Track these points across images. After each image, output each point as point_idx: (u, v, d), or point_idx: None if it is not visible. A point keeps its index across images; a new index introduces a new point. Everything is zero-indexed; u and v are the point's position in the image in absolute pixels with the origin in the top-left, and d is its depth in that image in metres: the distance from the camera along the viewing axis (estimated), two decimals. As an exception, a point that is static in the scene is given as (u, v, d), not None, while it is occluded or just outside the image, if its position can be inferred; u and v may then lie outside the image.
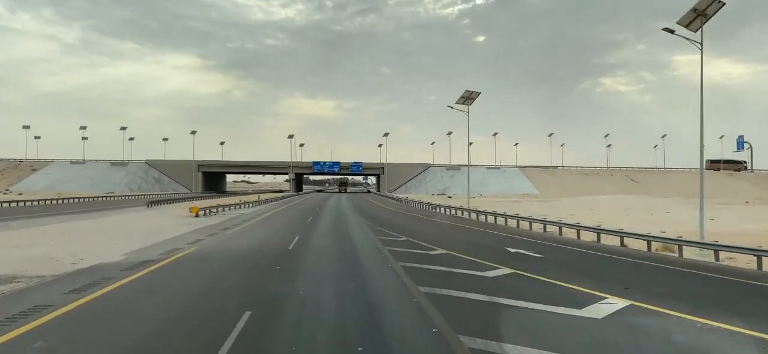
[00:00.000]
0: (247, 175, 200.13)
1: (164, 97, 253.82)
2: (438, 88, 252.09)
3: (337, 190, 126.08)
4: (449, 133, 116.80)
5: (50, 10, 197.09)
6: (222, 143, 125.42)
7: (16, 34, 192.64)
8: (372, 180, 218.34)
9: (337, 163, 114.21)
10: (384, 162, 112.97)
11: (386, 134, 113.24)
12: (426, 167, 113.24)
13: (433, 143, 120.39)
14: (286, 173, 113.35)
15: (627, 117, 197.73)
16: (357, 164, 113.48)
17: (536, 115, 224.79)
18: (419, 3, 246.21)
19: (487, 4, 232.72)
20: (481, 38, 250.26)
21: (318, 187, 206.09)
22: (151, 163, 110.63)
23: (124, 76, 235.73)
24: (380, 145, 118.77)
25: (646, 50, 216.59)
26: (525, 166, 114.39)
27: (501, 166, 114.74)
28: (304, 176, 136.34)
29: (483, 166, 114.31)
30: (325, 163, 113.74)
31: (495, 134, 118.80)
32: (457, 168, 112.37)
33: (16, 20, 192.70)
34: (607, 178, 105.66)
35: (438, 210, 45.29)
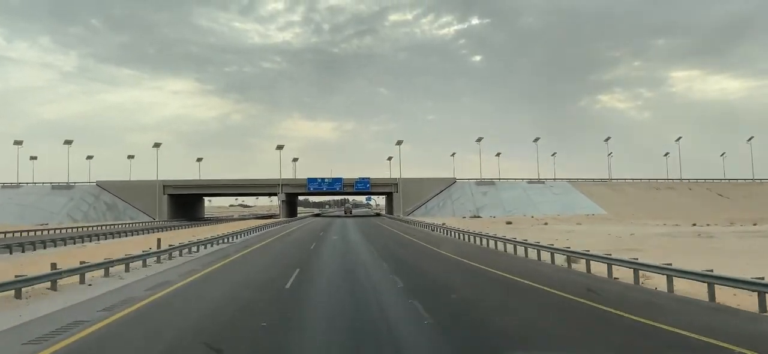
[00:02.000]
0: (240, 198, 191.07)
1: (164, 122, 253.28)
2: (436, 108, 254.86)
3: (340, 214, 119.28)
4: (479, 139, 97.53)
5: (48, 39, 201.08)
6: (199, 160, 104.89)
7: (14, 63, 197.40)
8: (377, 201, 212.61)
9: (338, 180, 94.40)
10: (398, 177, 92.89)
11: (399, 142, 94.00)
12: (451, 183, 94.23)
13: (453, 155, 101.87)
14: (276, 193, 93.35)
15: (625, 132, 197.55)
16: (363, 181, 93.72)
17: (536, 132, 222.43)
18: (415, 24, 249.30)
19: (483, 24, 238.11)
20: (477, 58, 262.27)
21: (316, 210, 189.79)
22: (103, 186, 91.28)
23: (121, 103, 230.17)
24: (390, 158, 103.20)
25: (643, 66, 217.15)
26: (575, 180, 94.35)
27: (545, 180, 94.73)
28: (300, 197, 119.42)
29: (522, 179, 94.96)
30: (323, 180, 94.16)
31: (498, 154, 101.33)
32: (490, 183, 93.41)
33: (12, 49, 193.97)
34: (685, 193, 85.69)
35: (495, 246, 27.96)
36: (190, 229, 56.79)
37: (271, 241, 35.38)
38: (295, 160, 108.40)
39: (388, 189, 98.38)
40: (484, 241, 30.40)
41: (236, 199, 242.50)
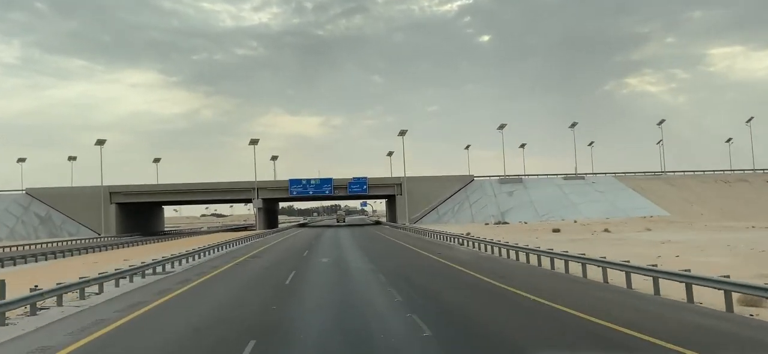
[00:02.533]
0: (213, 206, 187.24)
1: (121, 121, 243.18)
2: (439, 98, 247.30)
3: (332, 223, 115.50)
4: (501, 127, 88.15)
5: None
6: (156, 160, 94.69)
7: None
8: (374, 207, 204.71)
9: (327, 181, 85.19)
10: (402, 176, 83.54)
11: (403, 132, 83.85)
12: (468, 181, 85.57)
13: (467, 147, 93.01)
14: (251, 199, 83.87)
15: (658, 120, 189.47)
16: (359, 181, 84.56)
17: (554, 122, 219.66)
18: (413, 0, 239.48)
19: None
20: (485, 38, 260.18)
21: (302, 219, 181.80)
22: (34, 194, 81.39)
23: (72, 98, 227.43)
24: (391, 153, 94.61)
25: (677, 43, 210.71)
26: (621, 174, 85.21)
27: (584, 175, 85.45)
28: (281, 203, 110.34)
29: (556, 175, 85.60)
30: (309, 181, 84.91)
31: (523, 146, 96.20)
32: (517, 180, 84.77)
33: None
34: (763, 187, 75.36)
35: (565, 269, 19.59)
36: (128, 249, 47.12)
37: (226, 269, 25.35)
38: (274, 158, 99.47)
39: (390, 191, 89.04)
40: (545, 261, 22.74)
41: (207, 208, 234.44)
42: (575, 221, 65.63)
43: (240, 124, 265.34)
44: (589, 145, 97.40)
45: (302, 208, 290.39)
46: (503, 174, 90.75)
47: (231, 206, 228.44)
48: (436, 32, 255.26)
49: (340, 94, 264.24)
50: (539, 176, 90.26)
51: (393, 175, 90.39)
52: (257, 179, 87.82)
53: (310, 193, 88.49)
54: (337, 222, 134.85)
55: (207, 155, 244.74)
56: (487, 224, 73.89)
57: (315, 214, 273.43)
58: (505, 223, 73.25)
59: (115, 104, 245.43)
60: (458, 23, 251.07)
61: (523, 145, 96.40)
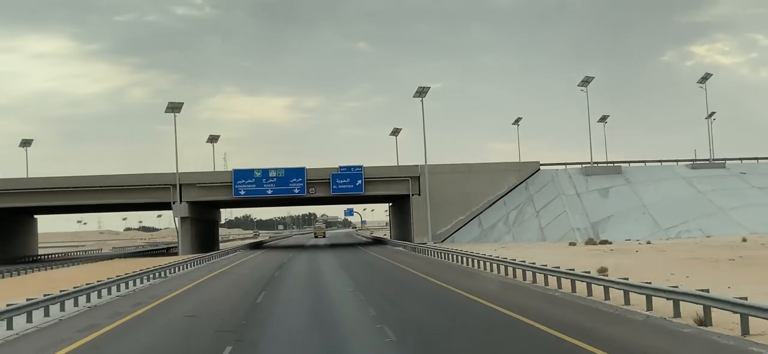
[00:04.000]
0: (129, 214, 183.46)
1: (22, 103, 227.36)
2: (444, 72, 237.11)
3: (303, 243, 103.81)
4: (585, 82, 72.70)
5: None
6: (25, 143, 77.95)
7: None
8: (366, 216, 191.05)
9: (297, 173, 72.36)
10: (421, 164, 68.34)
11: (422, 91, 68.68)
12: (531, 172, 73.10)
13: (517, 122, 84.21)
14: (167, 203, 68.29)
15: (734, 100, 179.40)
16: (350, 172, 73.01)
17: (595, 102, 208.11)
18: None
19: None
20: None
21: (261, 235, 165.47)
22: None
23: None
24: (396, 132, 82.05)
25: (759, 1, 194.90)
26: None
27: (724, 160, 70.06)
28: (222, 207, 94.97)
29: (675, 161, 70.36)
30: (266, 173, 70.68)
31: (604, 118, 77.71)
32: (615, 170, 69.82)
33: None
34: None
35: None
36: None
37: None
38: (212, 139, 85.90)
39: (399, 188, 75.33)
40: None
41: (125, 219, 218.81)
42: (744, 240, 48.82)
43: (183, 107, 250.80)
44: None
45: (265, 218, 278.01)
46: (590, 161, 74.38)
47: (159, 215, 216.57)
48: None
49: (314, 67, 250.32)
50: (648, 163, 74.13)
51: (396, 165, 76.60)
52: (181, 170, 71.01)
53: (269, 192, 72.46)
54: (316, 236, 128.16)
55: (137, 150, 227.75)
56: (573, 244, 57.34)
57: (280, 226, 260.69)
58: (606, 242, 56.57)
59: (13, 81, 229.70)
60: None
61: (604, 118, 79.81)
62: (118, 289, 28.59)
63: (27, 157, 79.45)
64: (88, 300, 24.88)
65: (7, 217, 79.16)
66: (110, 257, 77.56)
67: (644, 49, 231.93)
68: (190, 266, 45.82)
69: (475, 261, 38.11)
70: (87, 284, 25.71)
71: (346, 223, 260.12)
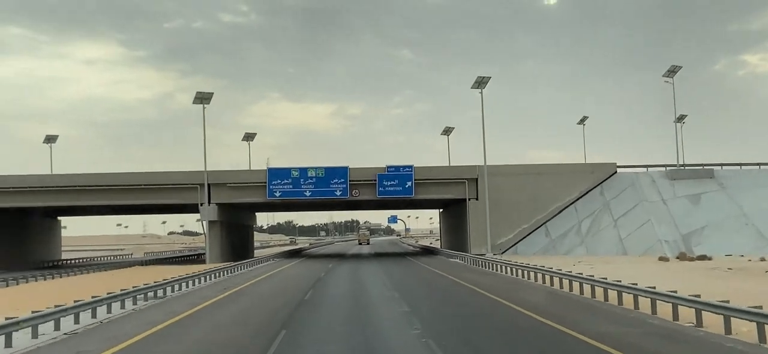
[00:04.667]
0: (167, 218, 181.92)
1: (71, 108, 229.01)
2: (489, 77, 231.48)
3: (344, 250, 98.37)
4: (672, 72, 63.35)
5: None
6: (49, 140, 71.14)
7: None
8: (404, 223, 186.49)
9: (338, 173, 67.40)
10: (479, 165, 63.26)
11: (482, 82, 60.54)
12: (606, 175, 65.01)
13: (582, 121, 76.30)
14: (194, 204, 64.10)
15: None
16: (399, 173, 69.07)
17: (643, 110, 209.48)
18: None
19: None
20: (551, 0, 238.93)
21: (299, 241, 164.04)
22: None
23: (9, 78, 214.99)
24: (448, 131, 76.66)
25: None
26: None
27: None
28: (257, 210, 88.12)
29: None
30: (304, 173, 65.08)
31: (681, 118, 70.26)
32: (705, 172, 60.36)
33: None
34: None
35: None
36: None
37: None
38: (248, 137, 79.72)
39: (453, 192, 68.43)
40: None
41: (164, 222, 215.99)
42: None
43: (226, 113, 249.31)
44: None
45: (307, 224, 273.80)
46: (677, 163, 64.92)
47: (198, 220, 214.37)
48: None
49: (357, 74, 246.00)
50: (743, 166, 64.42)
51: (449, 164, 69.44)
52: (210, 168, 63.60)
53: (307, 194, 64.76)
54: (360, 243, 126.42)
55: (181, 155, 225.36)
56: (663, 259, 48.32)
57: (322, 233, 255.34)
58: (704, 257, 47.43)
59: (64, 86, 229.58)
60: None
61: (681, 118, 69.91)
62: (77, 322, 20.49)
63: (51, 154, 73.72)
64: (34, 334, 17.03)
65: (26, 219, 73.07)
66: (135, 264, 70.39)
67: (693, 59, 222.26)
68: (205, 280, 37.77)
69: (561, 280, 29.54)
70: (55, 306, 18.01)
71: (388, 231, 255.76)
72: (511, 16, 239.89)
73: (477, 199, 64.17)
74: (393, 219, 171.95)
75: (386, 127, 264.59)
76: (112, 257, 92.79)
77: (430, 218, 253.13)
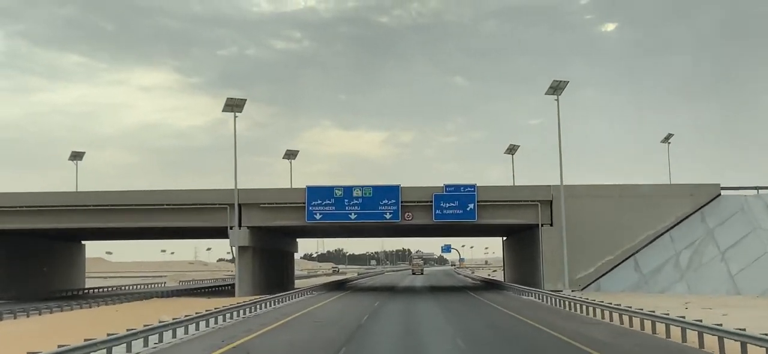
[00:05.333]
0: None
1: (128, 133, 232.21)
2: (543, 107, 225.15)
3: (393, 282, 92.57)
4: None
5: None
6: (75, 157, 64.22)
7: None
8: (458, 252, 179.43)
9: (388, 192, 59.79)
10: (554, 184, 56.45)
11: (558, 87, 50.54)
12: (709, 198, 58.03)
13: (667, 139, 68.68)
14: (224, 227, 58.16)
15: None
16: (459, 193, 59.69)
17: (708, 140, 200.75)
18: None
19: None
20: (609, 27, 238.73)
21: (344, 271, 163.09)
22: None
23: (68, 105, 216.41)
24: (512, 149, 69.87)
25: None
26: None
27: None
28: (296, 236, 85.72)
29: None
30: (349, 193, 59.43)
31: None
32: None
33: None
34: None
35: None
36: None
37: None
38: (290, 155, 73.36)
39: (524, 215, 59.61)
40: None
41: (209, 249, 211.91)
42: None
43: (278, 139, 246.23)
44: None
45: (357, 252, 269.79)
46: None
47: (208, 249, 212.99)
48: (542, 19, 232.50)
49: (410, 101, 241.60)
50: None
51: (517, 182, 61.43)
52: (241, 186, 55.81)
53: (353, 217, 56.94)
54: (414, 273, 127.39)
55: (232, 181, 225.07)
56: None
57: (372, 261, 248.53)
58: None
59: (120, 112, 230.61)
60: (572, 7, 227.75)
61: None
62: None
63: (77, 173, 67.12)
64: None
65: (42, 242, 66.56)
66: (157, 295, 62.58)
67: (761, 87, 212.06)
68: (212, 323, 28.99)
69: (701, 335, 20.10)
70: None
71: (441, 260, 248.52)
72: (569, 44, 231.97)
73: (551, 224, 55.38)
74: (447, 248, 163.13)
75: (438, 154, 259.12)
76: (143, 286, 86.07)
77: (486, 248, 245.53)
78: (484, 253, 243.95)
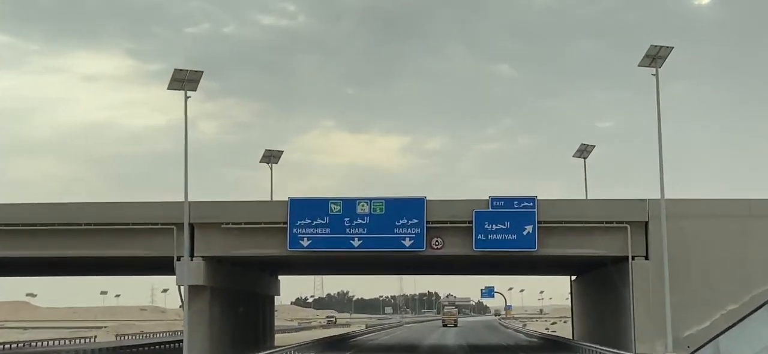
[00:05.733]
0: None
1: (69, 138, 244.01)
2: (619, 105, 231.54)
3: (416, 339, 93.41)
4: None
5: None
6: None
7: None
8: (504, 298, 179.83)
9: (406, 206, 57.13)
10: (654, 198, 55.20)
11: (658, 54, 51.58)
12: None
13: None
14: (170, 258, 55.39)
15: None
16: (516, 212, 56.42)
17: None
18: None
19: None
20: (703, 1, 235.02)
21: (330, 323, 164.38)
22: None
23: None
24: (583, 151, 69.69)
25: None
26: None
27: None
28: (271, 278, 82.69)
29: None
30: (351, 207, 56.64)
31: None
32: None
33: None
34: None
35: None
36: None
37: None
38: (270, 160, 69.45)
39: (606, 244, 56.91)
40: None
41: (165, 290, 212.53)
42: None
43: (265, 145, 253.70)
44: None
45: (366, 296, 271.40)
46: None
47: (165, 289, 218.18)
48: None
49: (439, 97, 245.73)
50: None
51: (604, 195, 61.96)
52: (190, 198, 53.07)
53: (356, 243, 55.16)
54: (445, 324, 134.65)
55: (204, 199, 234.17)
56: None
57: (388, 309, 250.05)
58: None
59: (57, 109, 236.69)
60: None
61: None
62: None
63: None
64: None
65: None
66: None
67: None
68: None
69: None
70: None
71: (479, 308, 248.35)
72: (650, 22, 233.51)
73: (647, 257, 53.36)
74: (489, 291, 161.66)
75: (476, 167, 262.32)
76: (63, 342, 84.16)
77: (541, 292, 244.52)
78: (538, 299, 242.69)
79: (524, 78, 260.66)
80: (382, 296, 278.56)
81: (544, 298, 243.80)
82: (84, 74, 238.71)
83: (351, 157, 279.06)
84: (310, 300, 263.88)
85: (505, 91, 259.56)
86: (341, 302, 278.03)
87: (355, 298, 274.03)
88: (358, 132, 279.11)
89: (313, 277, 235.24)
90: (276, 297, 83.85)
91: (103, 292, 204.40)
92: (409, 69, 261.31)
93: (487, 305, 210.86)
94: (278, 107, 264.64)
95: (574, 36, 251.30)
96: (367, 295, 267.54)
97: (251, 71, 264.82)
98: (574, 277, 78.13)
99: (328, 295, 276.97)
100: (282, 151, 68.65)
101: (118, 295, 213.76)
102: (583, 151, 66.58)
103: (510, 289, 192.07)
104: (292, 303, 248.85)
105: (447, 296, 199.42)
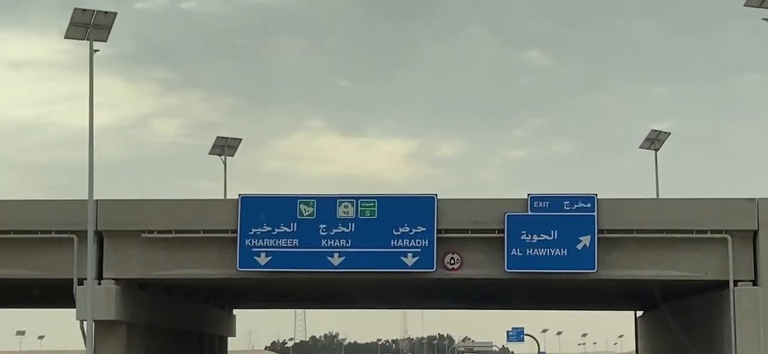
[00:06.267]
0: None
1: None
2: (679, 100, 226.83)
3: None
4: None
5: None
6: None
7: None
8: (537, 343, 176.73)
9: (408, 207, 54.78)
10: (765, 198, 54.27)
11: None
12: None
13: None
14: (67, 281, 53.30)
15: None
16: (566, 216, 53.27)
17: None
18: None
19: None
20: None
21: None
22: None
23: None
24: (653, 139, 69.77)
25: None
26: None
27: None
28: (223, 312, 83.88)
29: None
30: (330, 207, 54.06)
31: None
32: None
33: None
34: None
35: None
36: None
37: None
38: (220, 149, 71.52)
39: (690, 263, 54.50)
40: None
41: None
42: None
43: (241, 152, 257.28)
44: None
45: (361, 340, 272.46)
46: None
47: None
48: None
49: (453, 90, 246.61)
50: None
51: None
52: (100, 194, 50.99)
53: (335, 261, 52.58)
54: None
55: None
56: None
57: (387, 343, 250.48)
58: None
59: None
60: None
61: None
62: None
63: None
64: None
65: None
66: None
67: None
68: None
69: None
70: None
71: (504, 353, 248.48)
72: (708, 9, 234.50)
73: (756, 282, 50.04)
74: (518, 333, 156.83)
75: (498, 178, 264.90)
76: None
77: (584, 335, 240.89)
78: (579, 344, 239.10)
79: (559, 68, 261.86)
80: (380, 340, 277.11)
81: (586, 342, 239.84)
82: (9, 60, 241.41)
83: (344, 166, 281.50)
84: (290, 344, 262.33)
85: (536, 84, 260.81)
86: (330, 347, 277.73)
87: (346, 342, 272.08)
88: (352, 134, 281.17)
89: (293, 312, 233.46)
90: (230, 339, 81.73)
91: (20, 333, 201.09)
92: (416, 56, 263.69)
93: (514, 352, 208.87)
94: (253, 103, 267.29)
95: (619, 16, 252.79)
96: (362, 338, 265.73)
97: (220, 59, 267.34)
98: (639, 314, 75.12)
99: (313, 337, 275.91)
100: (240, 139, 68.52)
101: (41, 337, 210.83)
102: (654, 141, 65.82)
103: (544, 330, 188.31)
104: (267, 348, 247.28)
105: (463, 341, 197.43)
